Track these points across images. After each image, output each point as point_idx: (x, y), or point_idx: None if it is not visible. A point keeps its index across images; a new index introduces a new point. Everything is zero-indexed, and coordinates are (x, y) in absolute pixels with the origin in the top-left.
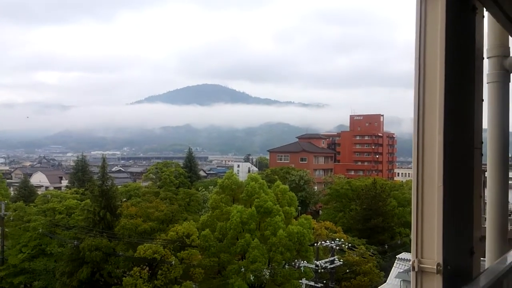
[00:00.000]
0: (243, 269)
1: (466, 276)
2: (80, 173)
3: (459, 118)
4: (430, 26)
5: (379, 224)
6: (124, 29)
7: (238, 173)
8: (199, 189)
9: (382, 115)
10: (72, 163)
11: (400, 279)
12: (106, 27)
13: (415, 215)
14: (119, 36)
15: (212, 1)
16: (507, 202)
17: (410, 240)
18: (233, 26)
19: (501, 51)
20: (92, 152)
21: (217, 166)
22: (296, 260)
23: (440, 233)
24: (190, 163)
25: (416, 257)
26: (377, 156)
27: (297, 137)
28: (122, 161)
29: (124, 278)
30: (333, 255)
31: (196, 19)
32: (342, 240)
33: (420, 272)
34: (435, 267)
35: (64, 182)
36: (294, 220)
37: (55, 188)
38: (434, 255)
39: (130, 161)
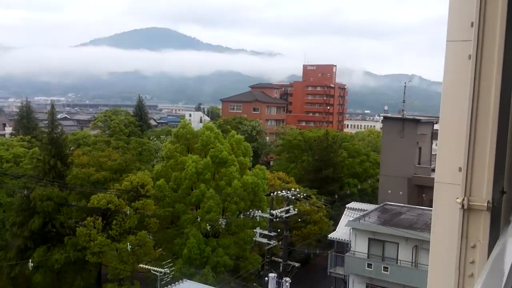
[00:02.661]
0: (198, 219)
1: (507, 215)
2: (25, 120)
3: None
4: None
5: (329, 174)
6: None
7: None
8: (151, 138)
9: (335, 66)
10: (15, 109)
11: (350, 227)
12: None
13: (467, 154)
14: None
15: None
16: None
17: (358, 191)
18: None
19: None
20: (35, 98)
21: (168, 115)
22: (250, 210)
23: (491, 171)
24: (140, 111)
25: (465, 195)
26: (328, 108)
27: (250, 87)
28: (68, 108)
29: (77, 228)
30: (288, 205)
31: None
32: (298, 190)
33: (468, 210)
34: (485, 204)
35: (8, 129)
36: (249, 170)
37: None
38: (483, 193)
39: (76, 108)
